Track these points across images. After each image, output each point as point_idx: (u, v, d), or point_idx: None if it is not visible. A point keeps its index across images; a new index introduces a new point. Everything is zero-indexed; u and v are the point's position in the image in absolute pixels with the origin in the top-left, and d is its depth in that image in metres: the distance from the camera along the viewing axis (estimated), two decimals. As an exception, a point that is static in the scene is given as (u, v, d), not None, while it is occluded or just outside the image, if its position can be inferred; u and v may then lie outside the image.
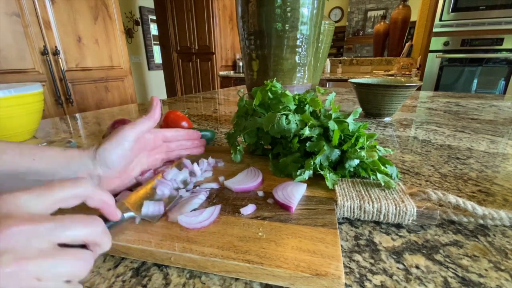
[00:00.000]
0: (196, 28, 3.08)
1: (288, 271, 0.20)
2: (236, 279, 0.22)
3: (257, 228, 0.25)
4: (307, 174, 0.33)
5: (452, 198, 0.28)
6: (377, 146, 0.36)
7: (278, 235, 0.25)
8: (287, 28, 0.54)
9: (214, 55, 3.11)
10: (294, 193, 0.30)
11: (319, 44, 0.85)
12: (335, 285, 0.20)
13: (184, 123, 0.52)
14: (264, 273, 0.21)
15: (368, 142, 0.35)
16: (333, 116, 0.36)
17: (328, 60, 3.09)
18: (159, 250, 0.23)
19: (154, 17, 3.53)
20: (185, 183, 0.34)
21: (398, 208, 0.28)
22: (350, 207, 0.29)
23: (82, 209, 0.21)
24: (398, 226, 0.29)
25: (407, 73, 2.64)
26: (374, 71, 2.95)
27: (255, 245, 0.23)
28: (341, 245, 0.26)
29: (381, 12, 4.80)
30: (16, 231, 0.15)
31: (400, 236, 0.27)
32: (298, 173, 0.33)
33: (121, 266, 0.24)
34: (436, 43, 2.20)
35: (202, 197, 0.30)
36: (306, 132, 0.35)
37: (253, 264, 0.21)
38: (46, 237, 0.16)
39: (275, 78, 0.52)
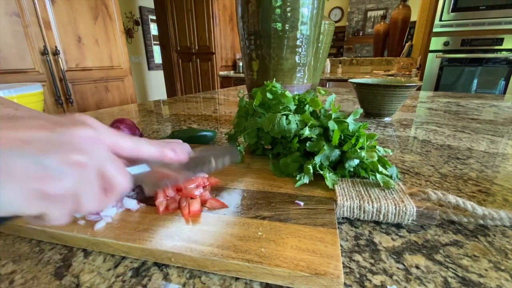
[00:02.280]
0: (196, 28, 3.08)
1: (287, 270, 0.20)
2: (236, 279, 0.22)
3: (257, 228, 0.25)
4: (307, 178, 0.33)
5: (452, 198, 0.28)
6: (377, 147, 0.36)
7: (278, 234, 0.25)
8: (287, 28, 0.54)
9: (214, 55, 3.11)
10: None
11: (319, 44, 0.85)
12: (334, 285, 0.20)
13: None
14: (264, 272, 0.21)
15: (368, 142, 0.35)
16: (333, 116, 0.36)
17: (328, 60, 3.09)
18: (159, 249, 0.23)
19: (154, 17, 3.53)
20: None
21: (397, 208, 0.28)
22: (350, 207, 0.29)
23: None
24: (398, 226, 0.29)
25: (407, 73, 2.64)
26: (374, 71, 2.95)
27: (254, 244, 0.23)
28: (341, 245, 0.26)
29: (381, 12, 4.80)
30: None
31: (400, 236, 0.27)
32: (298, 177, 0.34)
33: (121, 266, 0.24)
34: (436, 43, 2.20)
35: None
36: (306, 132, 0.35)
37: (253, 263, 0.21)
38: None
39: (275, 78, 0.52)
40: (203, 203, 0.30)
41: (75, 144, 0.17)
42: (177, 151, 0.26)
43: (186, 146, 0.30)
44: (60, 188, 0.16)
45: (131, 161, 0.24)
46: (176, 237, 0.24)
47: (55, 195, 0.16)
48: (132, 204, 0.29)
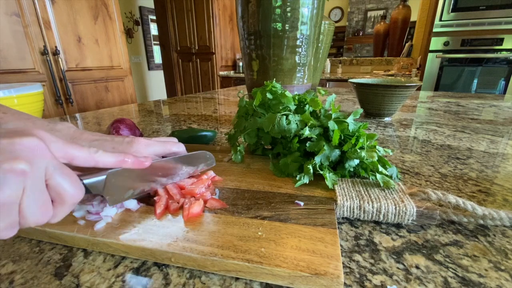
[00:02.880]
0: (196, 28, 3.08)
1: (287, 271, 0.20)
2: (236, 279, 0.22)
3: (257, 228, 0.25)
4: (307, 178, 0.33)
5: (452, 198, 0.28)
6: (377, 147, 0.36)
7: (278, 234, 0.25)
8: (287, 28, 0.54)
9: (214, 55, 3.11)
10: None
11: (319, 44, 0.85)
12: (334, 285, 0.20)
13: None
14: (264, 272, 0.21)
15: (368, 142, 0.35)
16: (333, 116, 0.36)
17: (328, 60, 3.09)
18: (159, 249, 0.23)
19: (154, 17, 3.53)
20: None
21: (397, 208, 0.28)
22: (350, 207, 0.29)
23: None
24: (398, 226, 0.29)
25: (407, 73, 2.64)
26: (374, 71, 2.95)
27: (254, 244, 0.23)
28: (341, 245, 0.26)
29: (381, 12, 4.80)
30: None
31: (400, 236, 0.27)
32: (298, 177, 0.34)
33: (121, 266, 0.24)
34: (436, 43, 2.20)
35: None
36: (306, 132, 0.35)
37: (253, 263, 0.21)
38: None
39: (275, 78, 0.52)
40: (204, 203, 0.30)
41: (17, 153, 0.16)
42: (138, 158, 0.26)
43: (181, 145, 0.29)
44: None
45: (96, 170, 0.24)
46: (176, 237, 0.24)
47: None
48: (132, 204, 0.29)
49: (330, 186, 0.32)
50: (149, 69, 4.37)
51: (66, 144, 0.21)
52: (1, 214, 0.16)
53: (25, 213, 0.17)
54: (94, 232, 0.25)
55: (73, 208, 0.21)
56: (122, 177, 0.26)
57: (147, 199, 0.30)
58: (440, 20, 2.13)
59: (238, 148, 0.42)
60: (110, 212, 0.27)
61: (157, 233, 0.25)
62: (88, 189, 0.23)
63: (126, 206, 0.29)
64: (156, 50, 4.27)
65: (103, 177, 0.24)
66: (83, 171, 0.24)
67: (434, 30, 2.17)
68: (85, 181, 0.22)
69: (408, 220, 0.28)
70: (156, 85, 4.50)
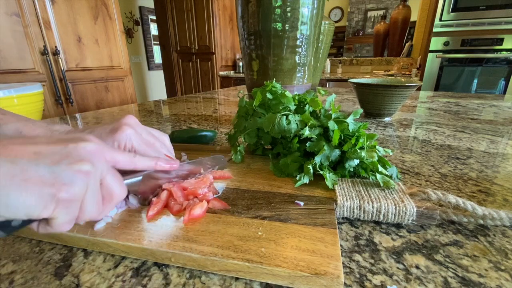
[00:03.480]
0: (196, 28, 3.08)
1: (287, 270, 0.20)
2: (236, 279, 0.22)
3: (257, 228, 0.25)
4: (307, 178, 0.33)
5: (452, 198, 0.28)
6: (377, 147, 0.36)
7: (278, 234, 0.25)
8: (287, 28, 0.54)
9: (214, 55, 3.11)
10: None
11: (319, 44, 0.85)
12: (334, 285, 0.20)
13: None
14: (264, 272, 0.21)
15: (368, 142, 0.35)
16: (333, 116, 0.36)
17: (328, 60, 3.09)
18: (160, 249, 0.23)
19: (154, 17, 3.53)
20: None
21: (397, 208, 0.28)
22: (350, 207, 0.29)
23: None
24: (398, 226, 0.29)
25: (407, 73, 2.64)
26: (374, 71, 2.95)
27: (254, 244, 0.23)
28: (341, 245, 0.26)
29: (381, 12, 4.80)
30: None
31: (400, 236, 0.27)
32: (298, 177, 0.34)
33: (121, 266, 0.24)
34: (436, 43, 2.20)
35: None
36: (306, 132, 0.35)
37: (253, 263, 0.21)
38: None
39: (275, 78, 0.52)
40: (206, 203, 0.29)
41: (82, 156, 0.19)
42: (170, 161, 0.29)
43: (174, 163, 0.30)
44: (69, 193, 0.18)
45: (125, 172, 0.27)
46: (176, 237, 0.24)
47: (65, 199, 0.18)
48: (133, 202, 0.29)
49: (330, 186, 0.32)
50: (149, 69, 4.37)
51: (112, 149, 0.24)
52: (69, 208, 0.18)
53: (85, 209, 0.20)
54: (94, 232, 0.25)
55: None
56: (152, 176, 0.30)
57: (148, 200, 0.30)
58: (440, 20, 2.13)
59: (238, 148, 0.42)
60: (110, 212, 0.27)
61: (157, 233, 0.25)
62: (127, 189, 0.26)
63: (128, 205, 0.29)
64: (156, 50, 4.27)
65: (139, 178, 0.28)
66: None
67: (434, 30, 2.17)
68: (126, 182, 0.26)
69: (408, 220, 0.28)
70: (156, 85, 4.50)
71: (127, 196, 0.29)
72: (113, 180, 0.22)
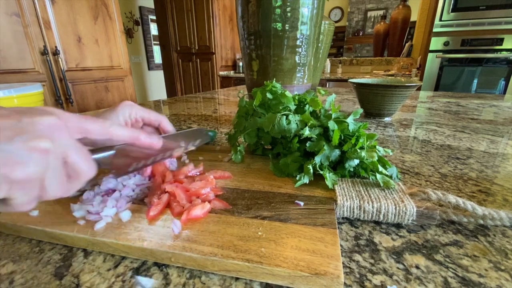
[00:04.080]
0: (196, 28, 3.08)
1: (287, 270, 0.20)
2: (236, 279, 0.22)
3: (257, 228, 0.25)
4: (307, 178, 0.33)
5: (452, 198, 0.28)
6: (377, 147, 0.36)
7: (278, 234, 0.25)
8: (287, 28, 0.54)
9: (214, 55, 3.11)
10: None
11: (319, 44, 0.85)
12: (334, 284, 0.20)
13: None
14: (264, 272, 0.21)
15: (368, 142, 0.35)
16: (333, 116, 0.36)
17: (328, 60, 3.09)
18: (159, 249, 0.23)
19: (154, 17, 3.53)
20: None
21: (397, 208, 0.28)
22: (350, 207, 0.29)
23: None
24: (398, 226, 0.29)
25: (407, 73, 2.64)
26: (374, 71, 2.95)
27: (254, 244, 0.23)
28: (341, 245, 0.26)
29: (381, 12, 4.80)
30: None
31: (400, 236, 0.27)
32: (298, 177, 0.34)
33: (121, 266, 0.24)
34: (436, 43, 2.20)
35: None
36: (306, 132, 0.35)
37: (253, 263, 0.21)
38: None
39: (275, 78, 0.52)
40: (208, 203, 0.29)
41: (39, 131, 0.17)
42: (152, 137, 0.26)
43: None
44: (24, 173, 0.16)
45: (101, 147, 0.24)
46: (176, 237, 0.24)
47: (19, 180, 0.16)
48: (127, 216, 0.27)
49: (330, 186, 0.32)
50: (149, 69, 4.37)
51: (81, 118, 0.21)
52: (26, 189, 0.17)
53: (46, 188, 0.18)
54: (94, 232, 0.25)
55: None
56: (128, 152, 0.27)
57: (143, 199, 0.30)
58: (440, 20, 2.13)
59: (238, 148, 0.42)
60: (110, 212, 0.27)
61: (157, 233, 0.25)
62: (98, 164, 0.23)
63: (121, 218, 0.27)
64: (156, 50, 4.27)
65: (112, 152, 0.25)
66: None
67: (434, 30, 2.17)
68: (95, 156, 0.23)
69: (408, 220, 0.28)
70: (156, 85, 4.50)
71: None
72: (79, 156, 0.20)
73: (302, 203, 0.30)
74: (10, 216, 0.28)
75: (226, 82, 3.22)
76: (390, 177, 0.34)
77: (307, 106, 0.40)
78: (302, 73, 0.60)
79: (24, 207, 0.18)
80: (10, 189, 0.16)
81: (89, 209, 0.28)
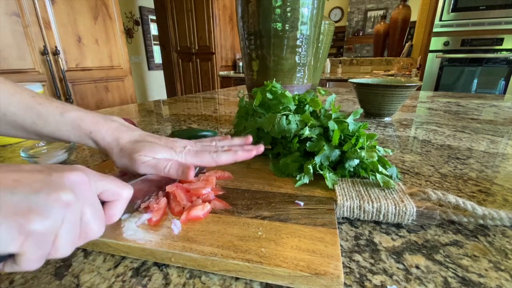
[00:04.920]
0: (196, 28, 3.08)
1: (287, 270, 0.20)
2: (236, 279, 0.22)
3: (257, 228, 0.25)
4: (307, 178, 0.33)
5: (452, 198, 0.28)
6: (377, 147, 0.36)
7: (278, 234, 0.25)
8: (287, 28, 0.54)
9: (214, 55, 3.11)
10: None
11: (319, 44, 0.85)
12: (334, 284, 0.20)
13: None
14: (264, 272, 0.21)
15: (368, 142, 0.35)
16: (333, 116, 0.36)
17: (328, 60, 3.09)
18: (159, 249, 0.23)
19: (154, 17, 3.53)
20: None
21: (397, 208, 0.28)
22: (350, 207, 0.29)
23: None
24: (398, 226, 0.29)
25: (407, 73, 2.64)
26: (374, 71, 2.95)
27: (254, 244, 0.23)
28: (341, 245, 0.26)
29: (381, 12, 4.79)
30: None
31: (400, 236, 0.27)
32: (298, 177, 0.33)
33: (121, 266, 0.24)
34: (436, 43, 2.20)
35: None
36: (306, 132, 0.35)
37: (253, 263, 0.21)
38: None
39: (275, 78, 0.52)
40: (206, 201, 0.29)
41: (65, 185, 0.18)
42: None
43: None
44: (42, 225, 0.16)
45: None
46: (176, 237, 0.24)
47: (36, 232, 0.15)
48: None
49: (330, 186, 0.32)
50: (149, 69, 4.37)
51: (104, 177, 0.22)
52: (39, 243, 0.16)
53: (57, 245, 0.17)
54: (94, 232, 0.25)
55: None
56: (145, 182, 0.29)
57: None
58: (440, 20, 2.13)
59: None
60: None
61: (158, 233, 0.25)
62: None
63: (121, 218, 0.27)
64: (156, 50, 4.27)
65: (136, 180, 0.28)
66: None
67: (434, 30, 2.17)
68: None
69: (408, 220, 0.28)
70: (156, 85, 4.50)
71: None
72: (93, 216, 0.19)
73: (302, 203, 0.30)
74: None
75: (226, 82, 3.22)
76: (390, 177, 0.34)
77: (307, 106, 0.40)
78: (302, 73, 0.60)
79: (32, 264, 0.16)
80: (24, 242, 0.15)
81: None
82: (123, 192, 0.22)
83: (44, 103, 0.31)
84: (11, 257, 0.16)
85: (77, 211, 0.18)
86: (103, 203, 0.22)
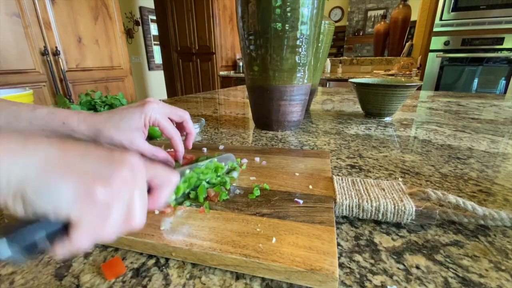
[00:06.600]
0: (196, 28, 3.08)
1: (283, 266, 0.21)
2: (236, 279, 0.22)
3: (256, 224, 0.26)
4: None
5: (452, 198, 0.28)
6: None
7: (276, 231, 0.25)
8: (287, 28, 0.54)
9: (214, 55, 3.11)
10: None
11: (319, 44, 0.85)
12: (329, 280, 0.20)
13: None
14: (261, 267, 0.21)
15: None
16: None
17: (328, 60, 3.09)
18: (161, 243, 0.23)
19: (154, 17, 3.53)
20: None
21: (396, 207, 0.28)
22: (349, 206, 0.29)
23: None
24: (398, 226, 0.29)
25: (407, 72, 2.64)
26: (374, 71, 2.94)
27: (252, 240, 0.24)
28: (342, 246, 0.26)
29: (381, 12, 4.79)
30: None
31: (401, 236, 0.27)
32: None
33: (120, 266, 0.24)
34: (437, 42, 2.19)
35: None
36: None
37: (250, 258, 0.21)
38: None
39: (275, 78, 0.52)
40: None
41: (126, 164, 0.19)
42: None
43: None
44: (105, 194, 0.17)
45: None
46: (177, 231, 0.25)
47: (99, 200, 0.16)
48: None
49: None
50: (149, 69, 4.37)
51: (154, 165, 0.22)
52: (97, 214, 0.17)
53: (108, 222, 0.17)
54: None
55: None
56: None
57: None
58: (441, 19, 2.13)
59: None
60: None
61: (159, 228, 0.25)
62: None
63: None
64: (156, 50, 4.27)
65: None
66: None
67: (435, 29, 2.16)
68: None
69: (407, 219, 0.28)
70: (156, 85, 4.50)
71: None
72: (140, 203, 0.19)
73: (301, 201, 0.30)
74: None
75: (226, 82, 3.22)
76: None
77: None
78: (302, 73, 0.60)
79: (85, 241, 0.17)
80: (85, 207, 0.16)
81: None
82: (173, 177, 0.22)
83: (17, 104, 0.32)
84: (63, 234, 0.16)
85: (131, 191, 0.18)
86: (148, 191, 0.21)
